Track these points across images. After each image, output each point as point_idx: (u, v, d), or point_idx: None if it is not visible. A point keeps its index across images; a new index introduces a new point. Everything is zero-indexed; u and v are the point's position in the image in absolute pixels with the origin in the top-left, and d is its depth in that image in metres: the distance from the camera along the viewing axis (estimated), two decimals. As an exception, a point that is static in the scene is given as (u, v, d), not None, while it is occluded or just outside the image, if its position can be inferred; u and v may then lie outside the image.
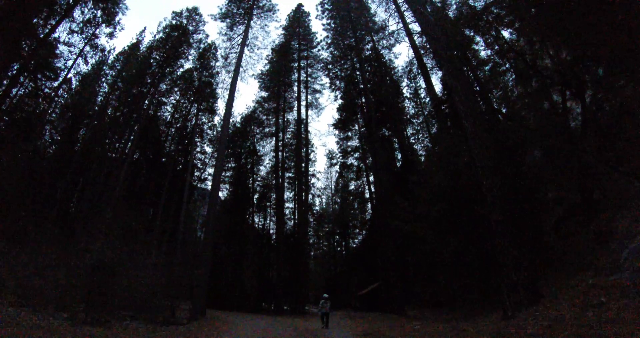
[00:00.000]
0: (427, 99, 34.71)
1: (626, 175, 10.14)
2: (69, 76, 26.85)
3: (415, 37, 24.52)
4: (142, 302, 16.13)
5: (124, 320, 13.75)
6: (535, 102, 18.14)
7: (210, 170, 37.79)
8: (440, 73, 25.78)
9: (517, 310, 8.99)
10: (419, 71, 25.56)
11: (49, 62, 21.50)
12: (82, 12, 22.83)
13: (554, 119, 16.28)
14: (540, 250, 12.57)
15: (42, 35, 19.58)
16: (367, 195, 38.11)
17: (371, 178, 34.76)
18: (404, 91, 36.13)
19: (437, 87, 25.77)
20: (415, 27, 24.57)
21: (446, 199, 15.13)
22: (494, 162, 10.66)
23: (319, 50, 38.50)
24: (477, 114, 11.40)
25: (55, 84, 24.11)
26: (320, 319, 17.33)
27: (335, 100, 35.29)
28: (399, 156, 35.00)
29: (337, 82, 34.80)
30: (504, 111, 20.87)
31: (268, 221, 42.84)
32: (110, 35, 25.88)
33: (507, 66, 20.63)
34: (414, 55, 24.81)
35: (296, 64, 39.15)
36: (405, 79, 35.77)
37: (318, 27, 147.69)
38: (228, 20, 31.93)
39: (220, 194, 39.66)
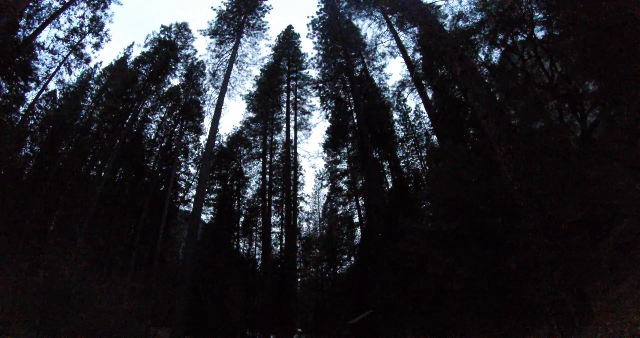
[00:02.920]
0: (418, 122, 34.67)
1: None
2: (52, 86, 25.78)
3: (409, 53, 24.40)
4: (112, 330, 14.46)
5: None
6: (529, 119, 17.89)
7: (194, 192, 36.27)
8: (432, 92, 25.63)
9: (567, 334, 7.38)
10: (414, 88, 25.18)
11: (28, 66, 20.25)
12: (70, 20, 22.10)
13: (554, 131, 15.97)
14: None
15: (24, 37, 18.61)
16: (357, 220, 36.84)
17: (361, 202, 33.89)
18: (394, 113, 35.93)
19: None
20: (409, 43, 24.55)
21: (459, 213, 14.12)
22: (524, 164, 9.27)
23: (307, 71, 38.54)
24: (497, 112, 10.31)
25: (37, 90, 22.92)
26: None
27: (326, 118, 34.69)
28: (389, 180, 34.25)
29: (328, 102, 34.47)
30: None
31: (254, 246, 40.98)
32: (97, 46, 25.01)
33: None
34: (408, 72, 24.62)
35: (285, 85, 38.76)
36: (395, 102, 35.57)
37: (308, 47, 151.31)
38: (217, 37, 31.67)
39: (203, 217, 37.98)
